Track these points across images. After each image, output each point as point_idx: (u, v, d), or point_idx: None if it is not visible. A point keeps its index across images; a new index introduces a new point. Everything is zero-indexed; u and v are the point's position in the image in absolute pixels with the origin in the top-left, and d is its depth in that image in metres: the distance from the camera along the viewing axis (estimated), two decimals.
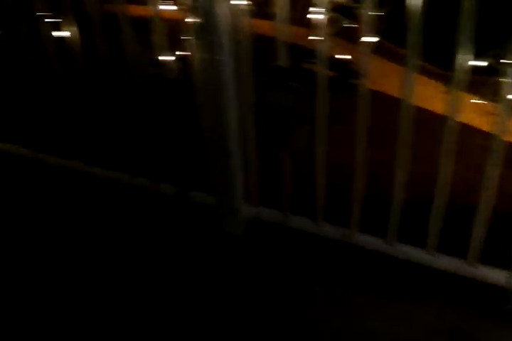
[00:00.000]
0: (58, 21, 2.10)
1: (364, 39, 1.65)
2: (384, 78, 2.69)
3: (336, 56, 2.45)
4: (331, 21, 1.71)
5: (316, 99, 1.82)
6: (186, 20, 1.83)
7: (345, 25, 2.73)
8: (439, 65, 2.87)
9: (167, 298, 1.93)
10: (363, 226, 2.02)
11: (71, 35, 2.12)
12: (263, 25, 1.96)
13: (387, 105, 1.98)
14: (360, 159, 1.88)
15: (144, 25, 1.96)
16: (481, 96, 2.55)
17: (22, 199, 2.46)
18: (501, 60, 1.52)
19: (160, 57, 1.98)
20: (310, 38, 1.74)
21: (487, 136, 1.71)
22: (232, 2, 1.71)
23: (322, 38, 1.71)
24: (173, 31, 2.00)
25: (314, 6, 1.67)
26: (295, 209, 2.14)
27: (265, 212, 2.20)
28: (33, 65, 2.38)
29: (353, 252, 2.02)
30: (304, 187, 2.09)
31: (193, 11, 1.77)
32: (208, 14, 1.73)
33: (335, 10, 2.60)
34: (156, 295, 1.94)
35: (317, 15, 1.66)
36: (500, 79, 1.54)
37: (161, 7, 1.82)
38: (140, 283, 1.99)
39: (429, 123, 2.03)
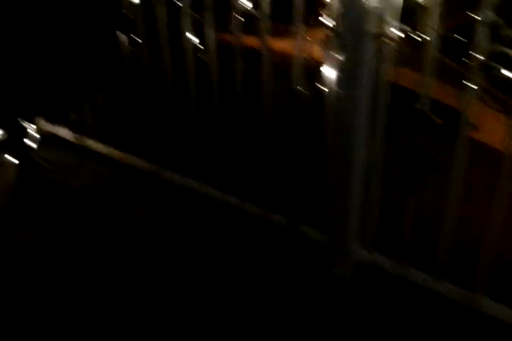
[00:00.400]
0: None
1: None
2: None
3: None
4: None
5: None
6: (328, 54, 1.79)
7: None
8: None
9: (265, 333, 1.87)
10: (490, 291, 1.84)
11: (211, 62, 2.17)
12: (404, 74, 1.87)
13: None
14: (496, 216, 1.73)
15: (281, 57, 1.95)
16: None
17: (136, 211, 2.52)
18: None
19: (295, 89, 1.95)
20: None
21: None
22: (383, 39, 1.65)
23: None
24: (309, 63, 1.98)
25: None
26: (412, 260, 2.00)
27: (379, 258, 2.08)
28: (170, 83, 2.45)
29: (476, 318, 1.84)
30: (426, 239, 1.95)
31: (338, 46, 1.72)
32: (353, 51, 1.68)
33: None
34: (253, 329, 1.89)
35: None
36: None
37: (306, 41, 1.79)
38: (240, 313, 1.95)
39: None
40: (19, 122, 1.89)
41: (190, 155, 2.53)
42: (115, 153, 2.81)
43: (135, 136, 2.73)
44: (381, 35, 1.64)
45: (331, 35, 1.75)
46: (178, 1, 2.18)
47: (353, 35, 1.66)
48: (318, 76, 1.91)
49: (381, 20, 1.62)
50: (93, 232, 2.36)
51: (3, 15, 1.63)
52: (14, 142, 1.91)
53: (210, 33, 2.15)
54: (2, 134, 2.61)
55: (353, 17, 1.64)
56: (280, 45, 2.11)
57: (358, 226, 2.04)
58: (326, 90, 1.87)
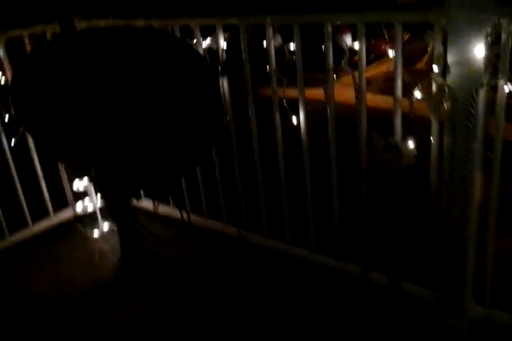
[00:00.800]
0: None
1: None
2: None
3: None
4: None
5: None
6: (435, 107, 1.80)
7: None
8: None
9: None
10: None
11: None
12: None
13: None
14: None
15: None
16: None
17: (223, 276, 2.48)
18: None
19: (396, 142, 1.95)
20: None
21: None
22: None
23: None
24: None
25: None
26: None
27: (497, 313, 1.98)
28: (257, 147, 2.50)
29: None
30: None
31: (446, 98, 1.73)
32: (464, 102, 1.68)
33: None
34: None
35: None
36: None
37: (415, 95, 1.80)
38: None
39: None
40: (126, 197, 1.91)
41: (279, 217, 2.52)
42: (201, 220, 2.82)
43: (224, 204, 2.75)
44: (493, 86, 1.65)
45: (438, 86, 1.77)
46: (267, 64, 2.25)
47: (463, 86, 1.68)
48: (421, 129, 1.91)
49: (491, 69, 1.64)
50: (185, 304, 2.31)
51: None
52: (119, 215, 1.92)
53: (301, 93, 2.19)
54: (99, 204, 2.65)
55: (463, 68, 1.66)
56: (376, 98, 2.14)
57: (472, 280, 1.96)
58: (433, 143, 1.86)
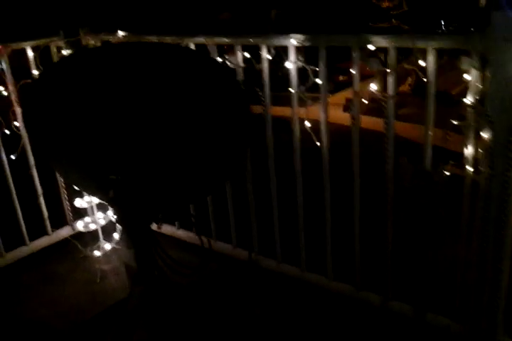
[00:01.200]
0: None
1: None
2: None
3: None
4: None
5: None
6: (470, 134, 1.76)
7: None
8: None
9: None
10: None
11: None
12: None
13: None
14: None
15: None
16: None
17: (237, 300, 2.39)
18: None
19: (427, 170, 1.90)
20: None
21: None
22: None
23: None
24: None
25: None
26: None
27: None
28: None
29: None
30: None
31: (483, 125, 1.69)
32: (504, 129, 1.64)
33: None
34: None
35: None
36: None
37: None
38: None
39: None
40: (147, 221, 1.82)
41: (293, 241, 2.44)
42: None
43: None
44: None
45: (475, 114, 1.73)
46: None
47: (503, 115, 1.63)
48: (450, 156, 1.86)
49: None
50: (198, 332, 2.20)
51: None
52: (139, 240, 1.83)
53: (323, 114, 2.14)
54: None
55: (504, 96, 1.62)
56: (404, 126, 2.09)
57: (503, 312, 1.90)
58: (469, 170, 1.82)
